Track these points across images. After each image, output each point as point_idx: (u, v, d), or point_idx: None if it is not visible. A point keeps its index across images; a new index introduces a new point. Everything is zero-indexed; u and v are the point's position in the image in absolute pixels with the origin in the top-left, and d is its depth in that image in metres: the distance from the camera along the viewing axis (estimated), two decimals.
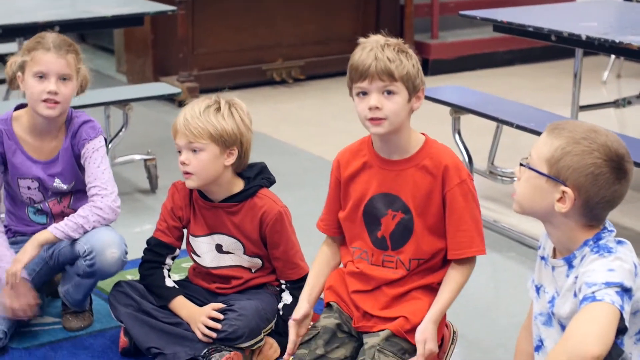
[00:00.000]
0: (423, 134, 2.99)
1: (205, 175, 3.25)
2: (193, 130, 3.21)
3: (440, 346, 2.93)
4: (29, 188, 3.54)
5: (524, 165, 2.45)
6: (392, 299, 2.98)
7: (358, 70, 2.85)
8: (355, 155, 3.04)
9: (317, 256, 3.15)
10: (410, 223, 2.95)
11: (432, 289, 2.97)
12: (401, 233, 2.96)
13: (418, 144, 2.96)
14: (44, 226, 3.46)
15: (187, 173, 3.25)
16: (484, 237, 2.96)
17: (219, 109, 3.24)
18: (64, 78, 3.44)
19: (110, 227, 3.45)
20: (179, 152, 3.26)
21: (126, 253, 3.42)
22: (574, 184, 2.35)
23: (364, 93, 2.86)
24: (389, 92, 2.84)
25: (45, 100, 3.40)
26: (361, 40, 2.92)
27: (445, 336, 2.99)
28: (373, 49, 2.85)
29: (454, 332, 3.06)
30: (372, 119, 2.85)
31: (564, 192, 2.36)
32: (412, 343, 2.90)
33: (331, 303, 3.05)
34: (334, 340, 2.99)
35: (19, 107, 3.57)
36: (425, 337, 2.87)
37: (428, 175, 2.92)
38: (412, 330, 2.91)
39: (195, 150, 3.22)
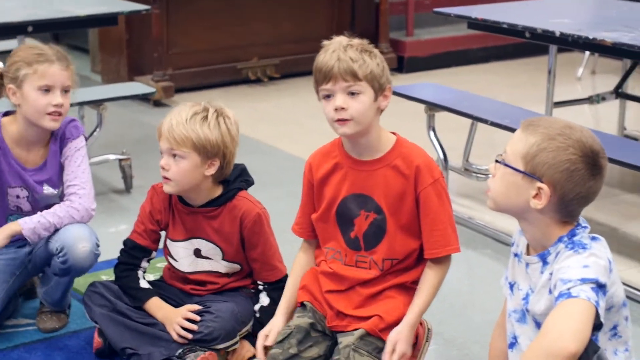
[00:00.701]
0: (394, 133, 2.99)
1: (183, 182, 3.21)
2: (176, 137, 3.16)
3: (414, 344, 2.93)
4: (18, 197, 3.49)
5: (499, 162, 2.45)
6: (366, 298, 2.97)
7: (322, 72, 2.85)
8: (326, 157, 3.03)
9: (293, 265, 3.14)
10: (383, 223, 2.94)
11: (407, 288, 2.97)
12: (374, 233, 2.95)
13: (389, 143, 2.95)
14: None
15: (165, 178, 3.22)
16: (457, 235, 2.97)
17: (206, 117, 3.19)
18: (65, 90, 3.41)
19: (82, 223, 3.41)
20: (162, 153, 3.24)
21: (98, 246, 3.39)
22: (549, 180, 2.35)
23: (330, 95, 2.85)
24: (354, 93, 2.83)
25: (50, 113, 3.36)
26: (325, 42, 2.91)
27: (419, 334, 2.99)
28: (336, 50, 2.84)
29: (428, 329, 3.05)
30: (338, 120, 2.84)
31: (539, 188, 2.36)
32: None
33: (305, 302, 3.04)
34: (308, 339, 2.99)
35: (6, 113, 3.51)
36: (398, 338, 2.86)
37: (400, 175, 2.91)
38: (387, 328, 2.90)
39: (176, 156, 3.20)
